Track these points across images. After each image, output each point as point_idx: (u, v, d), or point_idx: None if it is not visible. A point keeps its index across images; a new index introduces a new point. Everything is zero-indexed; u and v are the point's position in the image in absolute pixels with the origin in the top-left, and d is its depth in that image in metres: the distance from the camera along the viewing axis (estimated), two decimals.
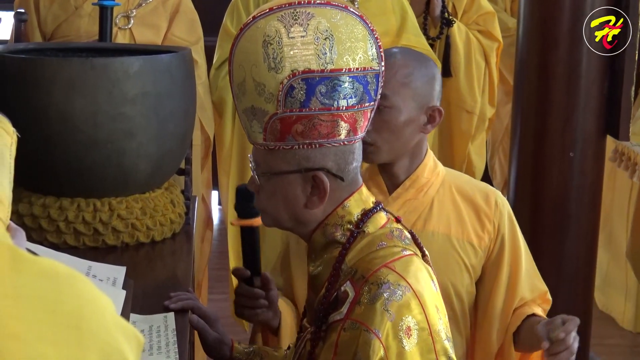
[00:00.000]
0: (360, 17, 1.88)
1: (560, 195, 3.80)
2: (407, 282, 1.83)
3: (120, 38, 3.69)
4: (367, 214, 1.92)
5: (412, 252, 1.91)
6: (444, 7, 4.20)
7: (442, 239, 2.50)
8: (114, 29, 3.56)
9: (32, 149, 2.47)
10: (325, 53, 1.84)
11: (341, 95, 1.85)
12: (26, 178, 2.56)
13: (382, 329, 1.79)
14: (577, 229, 3.84)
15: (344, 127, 1.87)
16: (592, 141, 3.79)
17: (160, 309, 2.17)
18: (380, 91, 1.92)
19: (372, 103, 1.91)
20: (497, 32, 4.33)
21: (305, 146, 1.86)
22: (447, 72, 4.17)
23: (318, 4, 1.85)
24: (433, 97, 2.47)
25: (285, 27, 1.83)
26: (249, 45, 1.85)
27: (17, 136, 1.48)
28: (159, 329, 2.08)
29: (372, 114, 1.93)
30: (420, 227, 2.49)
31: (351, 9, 1.88)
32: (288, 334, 2.36)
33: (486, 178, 4.74)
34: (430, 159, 2.53)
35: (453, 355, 1.88)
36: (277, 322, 2.36)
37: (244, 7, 3.79)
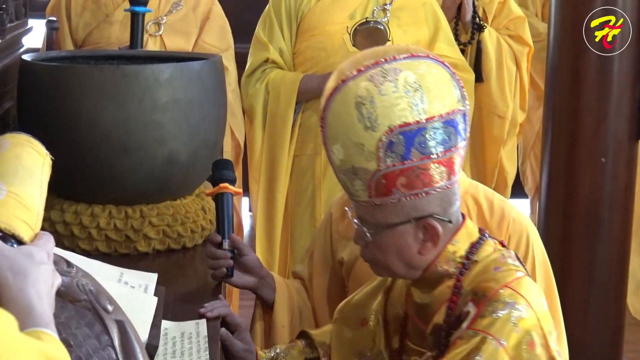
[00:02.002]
0: (442, 62, 1.95)
1: (592, 200, 3.77)
2: (529, 303, 1.91)
3: (151, 45, 3.70)
4: (474, 246, 2.00)
5: (524, 273, 1.99)
6: (475, 12, 4.19)
7: None
8: (145, 36, 3.57)
9: (64, 156, 2.47)
10: (417, 104, 1.89)
11: (438, 141, 1.90)
12: (58, 185, 2.56)
13: (508, 339, 1.87)
14: (609, 235, 3.82)
15: (444, 172, 1.93)
16: (624, 146, 3.77)
17: (191, 315, 2.17)
18: (468, 129, 1.98)
19: (464, 142, 1.97)
20: (528, 37, 4.32)
21: (411, 197, 1.92)
22: (478, 77, 4.15)
23: (403, 58, 1.91)
24: None
25: (376, 85, 1.88)
26: (341, 108, 1.91)
27: (51, 159, 1.50)
28: (191, 336, 2.08)
29: (465, 152, 1.99)
30: None
31: (432, 57, 1.95)
32: (285, 310, 2.40)
33: (517, 183, 4.72)
34: None
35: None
36: (270, 295, 2.40)
37: (277, 17, 3.79)
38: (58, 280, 1.33)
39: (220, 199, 2.40)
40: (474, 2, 4.19)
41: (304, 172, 3.78)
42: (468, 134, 1.98)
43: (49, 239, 1.38)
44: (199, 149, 2.64)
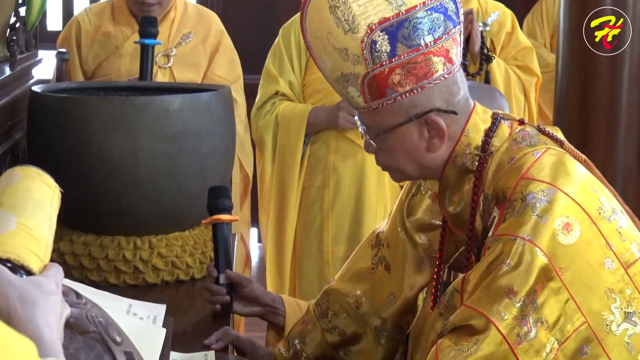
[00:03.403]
0: None
1: None
2: (551, 184, 1.79)
3: (160, 77, 3.71)
4: (489, 134, 1.90)
5: (542, 150, 1.86)
6: (483, 43, 4.20)
7: None
8: (154, 68, 3.59)
9: (73, 186, 2.48)
10: None
11: (425, 31, 1.82)
12: (67, 216, 2.56)
13: (536, 233, 1.74)
14: None
15: (439, 62, 1.84)
16: (633, 176, 3.77)
17: (200, 346, 2.17)
18: (461, 11, 1.88)
19: (458, 27, 1.87)
20: (536, 67, 4.32)
21: (407, 94, 1.84)
22: None
23: None
24: None
25: None
26: (317, 15, 1.85)
27: (60, 191, 1.51)
28: None
29: (462, 37, 1.89)
30: None
31: None
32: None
33: None
34: None
35: (622, 229, 1.84)
36: (280, 320, 2.36)
37: (286, 50, 3.81)
38: (67, 310, 1.33)
39: (217, 229, 2.37)
40: (482, 33, 4.20)
41: (312, 203, 3.80)
42: (462, 17, 1.87)
43: (57, 270, 1.38)
44: (208, 180, 2.64)
